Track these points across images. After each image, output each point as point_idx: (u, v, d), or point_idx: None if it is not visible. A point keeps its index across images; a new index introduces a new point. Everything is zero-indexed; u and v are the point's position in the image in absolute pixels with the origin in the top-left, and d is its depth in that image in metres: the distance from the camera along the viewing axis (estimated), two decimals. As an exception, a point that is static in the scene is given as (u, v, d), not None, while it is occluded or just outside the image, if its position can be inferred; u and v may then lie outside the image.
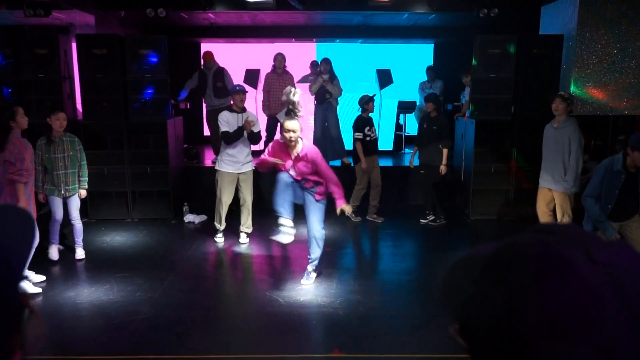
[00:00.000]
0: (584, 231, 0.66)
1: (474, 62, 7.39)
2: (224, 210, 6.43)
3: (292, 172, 4.82)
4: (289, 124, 4.66)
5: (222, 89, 8.38)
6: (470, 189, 7.53)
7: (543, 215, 5.74)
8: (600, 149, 8.59)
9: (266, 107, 8.63)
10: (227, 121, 6.12)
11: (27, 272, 5.16)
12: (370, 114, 7.25)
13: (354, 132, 7.17)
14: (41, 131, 5.69)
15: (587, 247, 0.60)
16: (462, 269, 0.72)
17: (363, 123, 7.15)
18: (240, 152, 6.25)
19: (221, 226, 6.52)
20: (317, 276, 5.24)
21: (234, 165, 6.26)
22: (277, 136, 8.83)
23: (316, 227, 4.93)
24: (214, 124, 8.62)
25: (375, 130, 7.33)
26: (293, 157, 4.78)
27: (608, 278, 0.57)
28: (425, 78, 9.97)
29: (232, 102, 6.31)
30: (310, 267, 5.14)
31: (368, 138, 7.13)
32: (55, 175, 5.57)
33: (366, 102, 7.16)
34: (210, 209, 7.80)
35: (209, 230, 7.11)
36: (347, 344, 4.05)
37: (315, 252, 5.04)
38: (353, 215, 7.32)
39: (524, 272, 0.60)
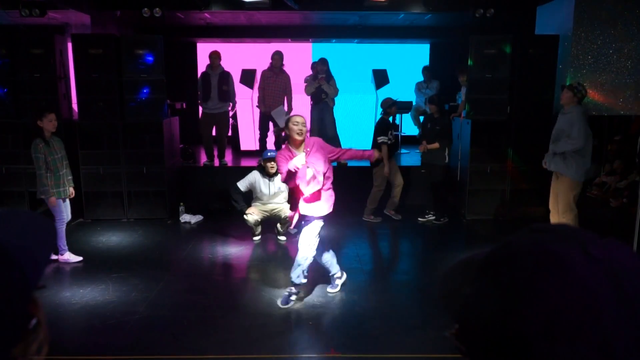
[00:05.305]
0: (580, 229, 0.65)
1: (469, 62, 7.40)
2: (254, 225, 6.54)
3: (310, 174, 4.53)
4: (297, 117, 4.50)
5: (226, 93, 8.24)
6: (467, 189, 7.54)
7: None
8: (597, 149, 8.61)
9: (262, 104, 8.60)
10: (252, 183, 6.42)
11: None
12: (390, 118, 7.19)
13: (379, 135, 7.02)
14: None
15: (583, 244, 0.60)
16: (458, 271, 0.72)
17: (387, 126, 7.08)
18: (269, 205, 6.51)
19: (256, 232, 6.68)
20: (315, 276, 5.20)
21: (262, 214, 6.50)
22: (269, 134, 8.83)
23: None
24: (206, 128, 8.47)
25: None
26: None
27: (605, 275, 0.57)
28: (421, 78, 9.99)
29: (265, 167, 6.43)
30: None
31: (389, 142, 7.06)
32: (60, 176, 5.50)
33: (389, 106, 7.12)
34: (206, 209, 7.83)
35: (204, 230, 7.10)
36: (343, 344, 4.04)
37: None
38: (372, 217, 7.34)
39: (520, 271, 0.60)
